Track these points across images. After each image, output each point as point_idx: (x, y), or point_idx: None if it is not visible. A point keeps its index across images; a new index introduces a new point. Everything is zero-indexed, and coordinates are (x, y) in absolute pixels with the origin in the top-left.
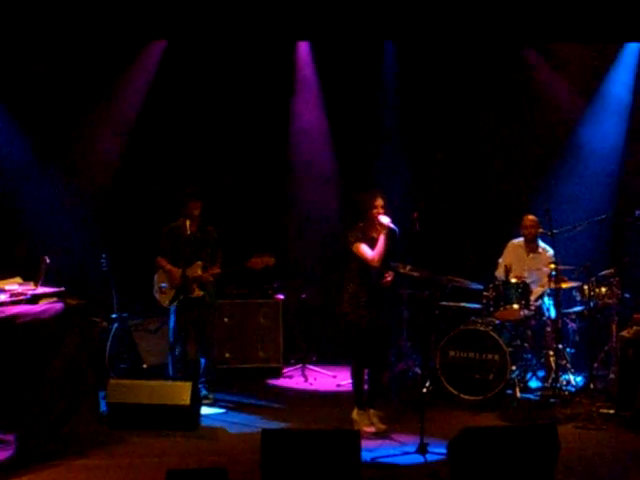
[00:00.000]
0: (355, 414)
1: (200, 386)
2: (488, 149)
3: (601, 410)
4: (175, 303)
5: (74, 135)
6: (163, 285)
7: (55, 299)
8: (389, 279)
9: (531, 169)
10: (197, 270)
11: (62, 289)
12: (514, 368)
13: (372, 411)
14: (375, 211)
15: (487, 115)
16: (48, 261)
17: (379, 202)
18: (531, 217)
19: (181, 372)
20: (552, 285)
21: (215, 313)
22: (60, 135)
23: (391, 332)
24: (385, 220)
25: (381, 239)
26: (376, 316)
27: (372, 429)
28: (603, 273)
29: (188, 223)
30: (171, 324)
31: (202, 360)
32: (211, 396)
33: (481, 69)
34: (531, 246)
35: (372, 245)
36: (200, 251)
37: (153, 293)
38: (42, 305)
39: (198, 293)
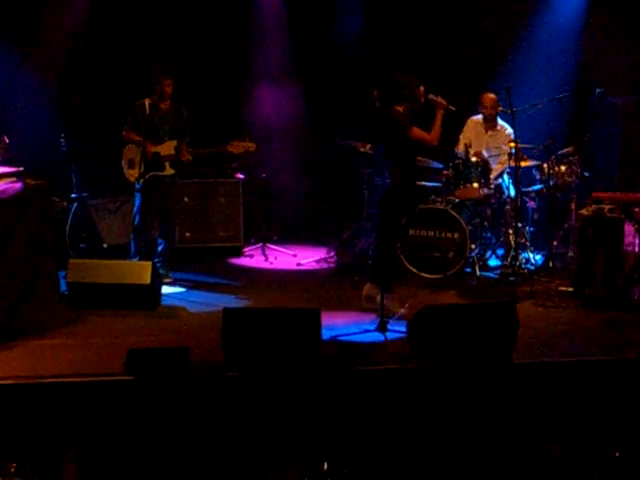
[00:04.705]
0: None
1: (157, 265)
2: (447, 26)
3: (560, 288)
4: (142, 180)
5: (32, 10)
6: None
7: (14, 179)
8: None
9: (492, 46)
10: (170, 148)
11: (21, 169)
12: (474, 246)
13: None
14: (420, 90)
15: None
16: (7, 141)
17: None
18: (491, 95)
19: (144, 251)
20: (511, 163)
21: (181, 196)
22: (18, 9)
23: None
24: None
25: (439, 118)
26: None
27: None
28: (563, 151)
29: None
30: (137, 202)
31: (162, 242)
32: (170, 275)
33: None
34: (490, 124)
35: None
36: (174, 130)
37: (122, 165)
38: (1, 185)
39: (170, 171)
